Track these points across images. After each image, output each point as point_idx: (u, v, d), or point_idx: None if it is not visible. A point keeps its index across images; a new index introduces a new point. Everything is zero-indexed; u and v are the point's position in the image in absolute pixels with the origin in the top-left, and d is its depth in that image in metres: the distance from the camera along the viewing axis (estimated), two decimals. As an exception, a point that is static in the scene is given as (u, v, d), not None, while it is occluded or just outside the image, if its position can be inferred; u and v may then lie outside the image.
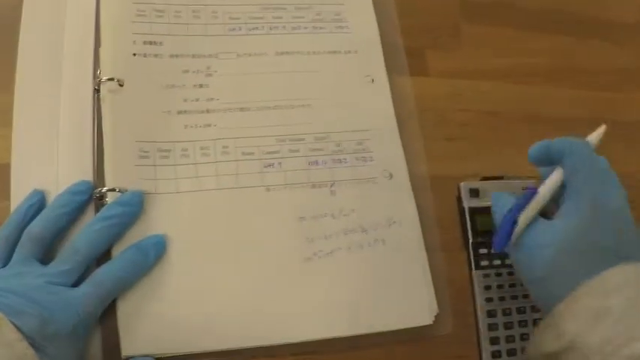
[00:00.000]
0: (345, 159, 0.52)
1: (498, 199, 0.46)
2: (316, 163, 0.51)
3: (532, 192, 0.44)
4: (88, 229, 0.43)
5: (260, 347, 0.45)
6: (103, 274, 0.42)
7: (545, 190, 0.44)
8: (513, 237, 0.43)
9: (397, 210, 0.51)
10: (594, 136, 0.46)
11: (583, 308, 0.39)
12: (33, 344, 0.36)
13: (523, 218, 0.43)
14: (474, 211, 0.53)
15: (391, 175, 0.52)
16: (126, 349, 0.42)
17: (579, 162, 0.43)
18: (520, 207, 0.43)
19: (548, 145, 0.44)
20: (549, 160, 0.45)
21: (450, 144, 0.56)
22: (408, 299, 0.48)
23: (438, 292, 0.50)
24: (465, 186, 0.54)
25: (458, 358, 0.50)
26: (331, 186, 0.50)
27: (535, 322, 0.52)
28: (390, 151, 0.53)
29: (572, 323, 0.39)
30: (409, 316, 0.48)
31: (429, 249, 0.51)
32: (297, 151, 0.51)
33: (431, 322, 0.49)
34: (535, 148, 0.45)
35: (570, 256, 0.41)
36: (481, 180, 0.55)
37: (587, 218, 0.41)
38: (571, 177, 0.43)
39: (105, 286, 0.41)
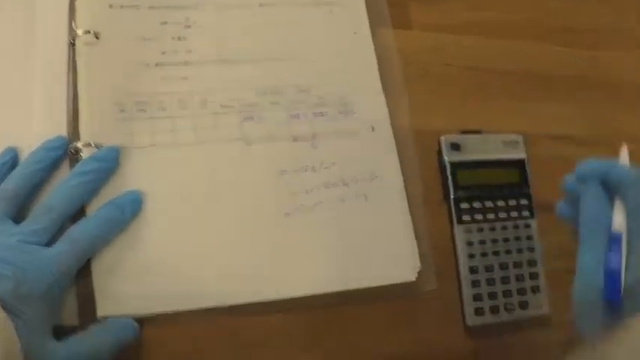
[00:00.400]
0: (326, 112, 0.51)
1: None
2: (297, 116, 0.50)
3: (618, 239, 0.38)
4: (62, 186, 0.42)
5: (241, 305, 0.44)
6: (78, 231, 0.41)
7: (623, 229, 0.38)
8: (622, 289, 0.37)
9: (379, 164, 0.50)
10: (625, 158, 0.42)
11: None
12: (4, 306, 0.35)
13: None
14: (455, 165, 0.53)
15: (373, 129, 0.51)
16: (101, 309, 0.41)
17: None
18: (618, 260, 0.37)
19: (608, 171, 0.39)
20: (601, 185, 0.40)
21: (432, 98, 0.56)
22: (390, 255, 0.48)
23: (421, 249, 0.49)
24: (445, 140, 0.54)
25: (441, 315, 0.50)
26: (312, 139, 0.49)
27: (517, 278, 0.52)
28: (372, 105, 0.52)
29: None
30: (391, 273, 0.48)
31: (411, 204, 0.50)
32: (278, 103, 0.50)
33: (414, 279, 0.48)
34: (586, 169, 0.40)
35: None
36: (461, 134, 0.54)
37: None
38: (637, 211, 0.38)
39: (80, 244, 0.40)
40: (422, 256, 0.49)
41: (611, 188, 0.39)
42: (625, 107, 0.64)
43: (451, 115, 0.55)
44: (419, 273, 0.48)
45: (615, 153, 0.42)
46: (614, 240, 0.37)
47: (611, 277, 0.36)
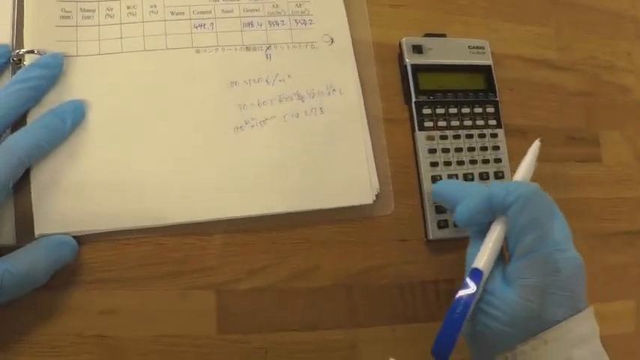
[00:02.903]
0: (282, 21, 0.48)
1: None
2: (251, 24, 0.48)
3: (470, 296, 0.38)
4: (2, 92, 0.40)
5: (187, 224, 0.43)
6: (15, 140, 0.39)
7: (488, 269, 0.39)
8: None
9: (337, 77, 0.48)
10: (528, 160, 0.42)
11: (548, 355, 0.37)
12: None
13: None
14: (416, 68, 0.51)
15: (332, 40, 0.49)
16: (40, 227, 0.40)
17: (530, 219, 0.38)
18: (465, 310, 0.38)
19: (489, 197, 0.39)
20: (487, 215, 0.41)
21: (395, 10, 0.53)
22: (346, 175, 0.47)
23: (380, 170, 0.48)
24: (407, 42, 0.51)
25: (399, 241, 0.49)
26: (267, 49, 0.47)
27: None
28: (331, 15, 0.49)
29: None
30: (348, 194, 0.46)
31: (370, 120, 0.49)
32: (231, 11, 0.47)
33: (371, 202, 0.47)
34: (468, 206, 0.41)
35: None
36: (424, 36, 0.52)
37: (540, 281, 0.38)
38: (519, 236, 0.39)
39: (16, 153, 0.38)
40: (381, 177, 0.48)
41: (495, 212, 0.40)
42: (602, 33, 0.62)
43: (414, 27, 0.53)
44: (377, 195, 0.47)
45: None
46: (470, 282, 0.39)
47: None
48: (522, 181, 0.42)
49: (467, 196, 0.41)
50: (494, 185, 0.40)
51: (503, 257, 0.41)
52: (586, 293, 0.39)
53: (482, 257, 0.39)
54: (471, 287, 0.38)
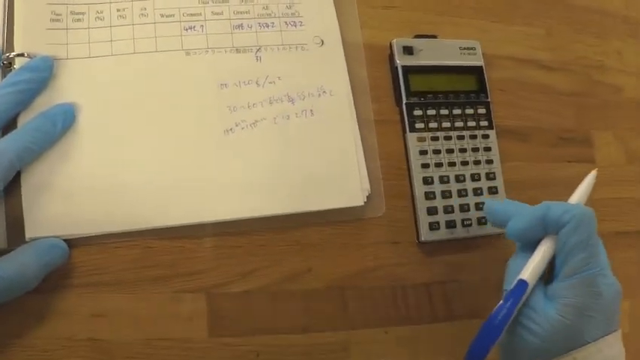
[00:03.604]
0: (272, 23, 0.48)
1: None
2: (241, 26, 0.48)
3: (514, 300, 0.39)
4: (-10, 97, 0.40)
5: (178, 227, 0.43)
6: (5, 143, 0.39)
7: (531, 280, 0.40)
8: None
9: (328, 79, 0.48)
10: (585, 185, 0.43)
11: None
12: None
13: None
14: (407, 69, 0.51)
15: (322, 42, 0.49)
16: (30, 230, 0.40)
17: (581, 240, 0.39)
18: (506, 319, 0.39)
19: (545, 214, 0.40)
20: (539, 232, 0.41)
21: (385, 12, 0.53)
22: (337, 177, 0.46)
23: (371, 171, 0.48)
24: (397, 43, 0.51)
25: (391, 243, 0.49)
26: (257, 51, 0.47)
27: (475, 192, 0.50)
28: (322, 17, 0.49)
29: None
30: (338, 196, 0.46)
31: (361, 122, 0.48)
32: (221, 13, 0.47)
33: (362, 204, 0.47)
34: (522, 220, 0.41)
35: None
36: (415, 37, 0.52)
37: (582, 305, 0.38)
38: (569, 256, 0.39)
39: (7, 155, 0.38)
40: (372, 179, 0.48)
41: (548, 230, 0.40)
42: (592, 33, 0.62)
43: (404, 29, 0.53)
44: (368, 197, 0.47)
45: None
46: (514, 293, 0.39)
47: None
48: (578, 203, 0.42)
49: (520, 212, 0.42)
50: (551, 203, 0.40)
51: (544, 276, 0.41)
52: (619, 318, 0.39)
53: (529, 270, 0.40)
54: (515, 296, 0.39)
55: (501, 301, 0.39)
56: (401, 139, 0.50)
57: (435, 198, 0.49)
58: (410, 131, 0.50)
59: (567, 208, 0.39)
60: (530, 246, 0.41)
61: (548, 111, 0.57)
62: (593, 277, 0.38)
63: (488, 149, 0.51)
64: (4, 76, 0.42)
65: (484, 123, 0.52)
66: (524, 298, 0.39)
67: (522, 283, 0.39)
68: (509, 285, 0.40)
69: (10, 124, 0.41)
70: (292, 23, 0.48)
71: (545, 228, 0.40)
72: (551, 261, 0.40)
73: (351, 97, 0.48)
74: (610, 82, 0.61)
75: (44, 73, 0.42)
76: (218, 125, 0.45)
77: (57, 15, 0.44)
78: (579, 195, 0.42)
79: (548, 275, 0.41)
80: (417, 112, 0.50)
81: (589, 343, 0.38)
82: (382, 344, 0.46)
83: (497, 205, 0.44)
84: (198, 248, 0.44)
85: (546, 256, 0.40)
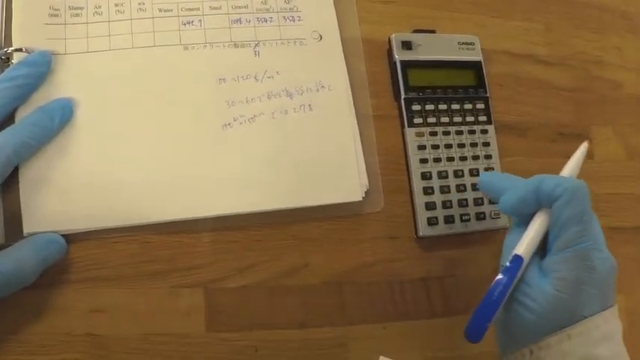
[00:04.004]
0: (271, 18, 0.48)
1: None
2: (239, 21, 0.47)
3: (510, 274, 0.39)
4: (-13, 92, 0.40)
5: (176, 222, 0.43)
6: (3, 138, 0.39)
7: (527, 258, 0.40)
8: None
9: (326, 74, 0.48)
10: (576, 158, 0.42)
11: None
12: None
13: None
14: (405, 64, 0.50)
15: (321, 37, 0.49)
16: (28, 225, 0.40)
17: (574, 214, 0.38)
18: (504, 292, 0.39)
19: (537, 187, 0.39)
20: (532, 206, 0.40)
21: (384, 7, 0.53)
22: (335, 172, 0.46)
23: (369, 166, 0.48)
24: (396, 38, 0.51)
25: (389, 238, 0.49)
26: (255, 46, 0.47)
27: (474, 188, 0.50)
28: (320, 11, 0.49)
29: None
30: (337, 191, 0.46)
31: (359, 117, 0.48)
32: (219, 8, 0.47)
33: (360, 199, 0.47)
34: (515, 194, 0.41)
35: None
36: (413, 32, 0.52)
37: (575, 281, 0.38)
38: (562, 229, 0.39)
39: (4, 150, 0.38)
40: (370, 174, 0.47)
41: (541, 204, 0.40)
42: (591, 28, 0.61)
43: (403, 24, 0.52)
44: (366, 192, 0.47)
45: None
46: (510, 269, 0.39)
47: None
48: (570, 176, 0.42)
49: (513, 186, 0.41)
50: (544, 176, 0.40)
51: (539, 250, 0.41)
52: (615, 294, 0.39)
53: (523, 245, 0.39)
54: (511, 272, 0.39)
55: (498, 276, 0.39)
56: (399, 134, 0.50)
57: (433, 193, 0.49)
58: (408, 126, 0.50)
59: (559, 182, 0.39)
60: (526, 221, 0.41)
61: (547, 106, 0.57)
62: (587, 251, 0.38)
63: (486, 144, 0.51)
64: (2, 70, 0.42)
65: (483, 118, 0.52)
66: (519, 273, 0.39)
67: (517, 259, 0.39)
68: (506, 260, 0.39)
69: (8, 119, 0.41)
70: (291, 18, 0.48)
71: (539, 201, 0.40)
72: (545, 235, 0.40)
73: (350, 92, 0.48)
74: (609, 78, 0.61)
75: (42, 68, 0.42)
76: (216, 120, 0.45)
77: (55, 10, 0.44)
78: (570, 168, 0.42)
79: (543, 250, 0.40)
80: (416, 107, 0.50)
81: (586, 318, 0.37)
82: (380, 339, 0.47)
83: (492, 178, 0.44)
84: (196, 243, 0.44)
85: (540, 230, 0.40)
